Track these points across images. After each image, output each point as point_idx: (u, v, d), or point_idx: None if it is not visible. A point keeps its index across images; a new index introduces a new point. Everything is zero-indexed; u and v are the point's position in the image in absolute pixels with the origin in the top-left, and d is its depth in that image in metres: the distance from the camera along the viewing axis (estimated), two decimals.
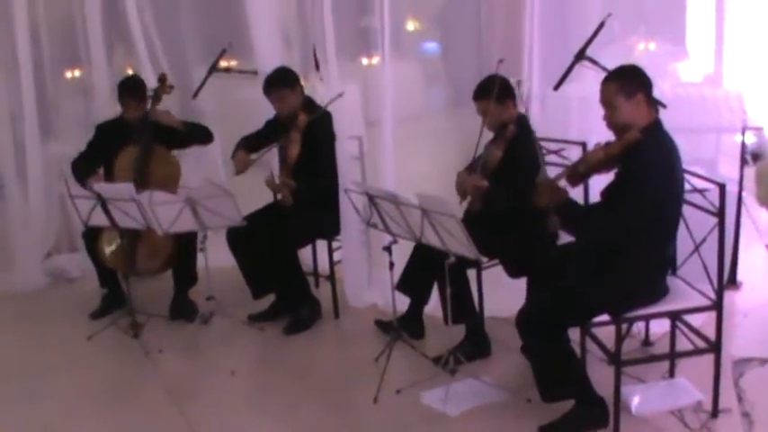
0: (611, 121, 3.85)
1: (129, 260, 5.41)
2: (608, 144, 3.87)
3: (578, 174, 3.93)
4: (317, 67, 5.90)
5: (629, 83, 3.81)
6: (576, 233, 4.20)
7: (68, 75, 7.31)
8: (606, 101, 3.85)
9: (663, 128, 3.86)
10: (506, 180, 4.53)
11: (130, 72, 6.81)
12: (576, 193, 4.17)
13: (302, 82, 5.62)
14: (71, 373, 5.02)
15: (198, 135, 5.85)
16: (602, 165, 3.88)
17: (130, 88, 5.79)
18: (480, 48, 6.44)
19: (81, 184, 5.30)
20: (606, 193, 3.96)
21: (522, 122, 4.69)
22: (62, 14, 7.00)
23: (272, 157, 5.72)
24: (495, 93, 4.59)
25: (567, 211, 3.92)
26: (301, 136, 5.27)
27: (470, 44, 6.69)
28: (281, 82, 5.42)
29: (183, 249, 5.54)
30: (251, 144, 5.60)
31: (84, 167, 5.71)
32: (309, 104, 5.48)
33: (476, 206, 4.65)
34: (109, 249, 5.55)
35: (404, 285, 4.91)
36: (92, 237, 5.60)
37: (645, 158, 3.71)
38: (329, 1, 5.26)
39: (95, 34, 6.52)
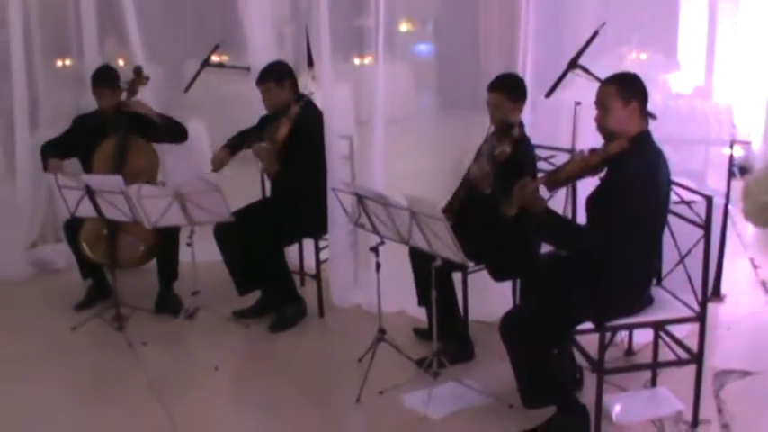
0: (603, 124, 3.86)
1: (111, 252, 5.38)
2: (591, 153, 3.88)
3: (556, 180, 3.95)
4: (310, 64, 5.90)
5: (628, 88, 3.83)
6: (556, 244, 4.21)
7: (59, 63, 7.28)
8: (602, 102, 3.86)
9: (651, 139, 3.87)
10: (510, 176, 4.51)
11: (122, 63, 6.79)
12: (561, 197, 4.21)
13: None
14: (54, 364, 5.01)
15: (173, 130, 5.81)
16: (582, 174, 3.91)
17: (103, 78, 5.73)
18: (474, 52, 6.45)
19: (43, 167, 5.43)
20: (590, 202, 3.98)
21: (523, 129, 4.72)
22: (54, 2, 6.98)
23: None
24: (516, 90, 4.70)
25: (545, 220, 3.93)
26: (291, 124, 5.28)
27: (464, 48, 6.71)
28: (269, 75, 5.43)
29: (166, 240, 5.52)
30: (241, 139, 5.60)
31: (51, 152, 5.68)
32: (305, 102, 5.45)
33: (486, 190, 4.59)
34: (88, 242, 5.51)
35: (425, 301, 4.89)
36: (73, 228, 5.57)
37: (630, 169, 3.73)
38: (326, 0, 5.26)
39: (89, 24, 6.50)
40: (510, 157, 4.52)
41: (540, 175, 4.67)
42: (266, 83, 5.42)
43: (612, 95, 3.82)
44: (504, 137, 4.57)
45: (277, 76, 5.44)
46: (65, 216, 5.52)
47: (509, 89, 4.70)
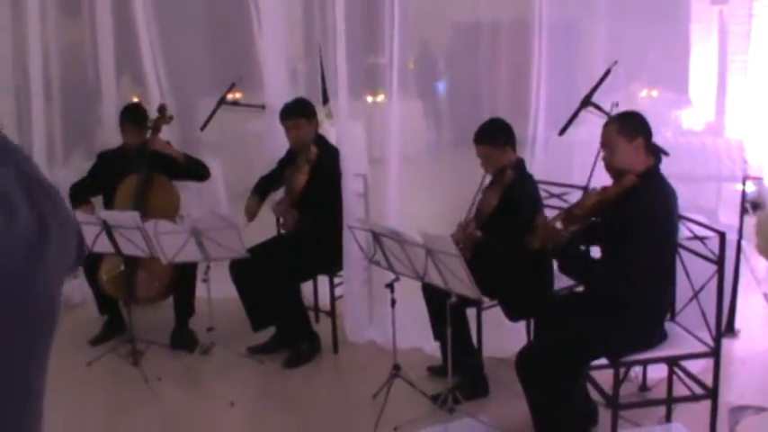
0: (610, 164, 3.93)
1: (129, 287, 5.42)
2: (604, 189, 3.94)
3: (573, 217, 3.99)
4: (325, 102, 5.96)
5: (630, 126, 3.90)
6: (575, 277, 4.25)
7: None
8: (607, 142, 3.93)
9: (660, 174, 3.91)
10: (500, 227, 4.56)
11: (136, 100, 6.86)
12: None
13: None
14: (69, 399, 5.00)
15: (196, 170, 5.89)
16: (597, 209, 3.96)
17: (132, 115, 5.82)
18: (487, 89, 6.50)
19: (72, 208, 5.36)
20: (604, 238, 4.02)
21: (521, 168, 4.75)
22: (72, 41, 7.07)
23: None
24: (497, 138, 4.70)
25: (567, 253, 3.97)
26: (310, 168, 5.33)
27: (477, 85, 6.77)
28: (299, 111, 5.49)
29: (183, 277, 5.56)
30: (266, 185, 5.67)
31: (80, 192, 5.79)
32: (321, 141, 5.53)
33: (466, 255, 4.60)
34: (107, 276, 5.55)
35: (440, 334, 4.79)
36: (92, 263, 5.61)
37: (642, 205, 3.77)
38: (342, 38, 5.32)
39: (107, 62, 6.58)
40: (498, 205, 4.57)
41: (554, 212, 4.73)
42: (298, 119, 5.46)
43: (616, 133, 3.88)
44: (495, 184, 4.62)
45: (306, 112, 5.51)
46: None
47: (490, 138, 4.72)
